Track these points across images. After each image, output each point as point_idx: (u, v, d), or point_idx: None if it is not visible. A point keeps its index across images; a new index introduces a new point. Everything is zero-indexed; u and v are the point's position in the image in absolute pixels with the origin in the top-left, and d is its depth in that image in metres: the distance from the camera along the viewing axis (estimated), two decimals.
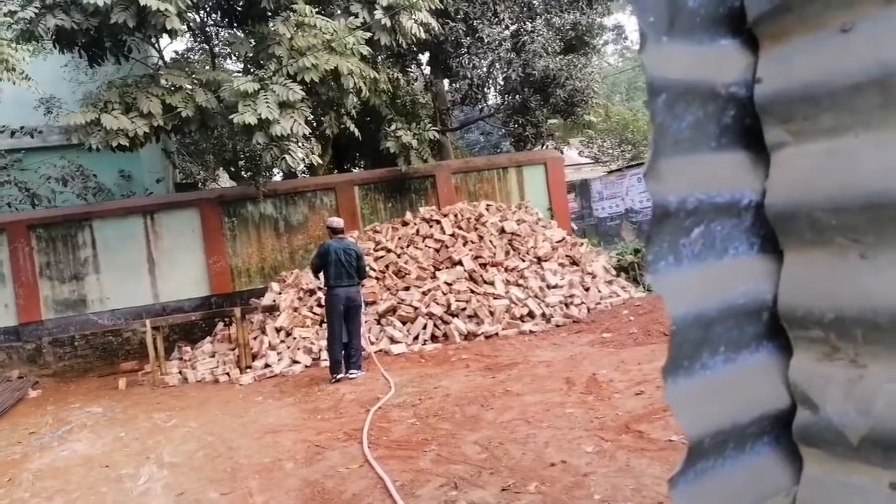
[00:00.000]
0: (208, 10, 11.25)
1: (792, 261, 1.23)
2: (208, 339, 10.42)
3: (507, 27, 13.02)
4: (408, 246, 10.67)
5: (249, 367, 8.89)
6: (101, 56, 9.56)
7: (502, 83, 13.36)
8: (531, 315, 9.48)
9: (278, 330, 9.42)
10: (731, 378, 1.10)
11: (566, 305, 9.72)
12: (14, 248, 10.97)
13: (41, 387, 9.99)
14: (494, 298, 9.62)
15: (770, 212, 1.23)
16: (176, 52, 13.35)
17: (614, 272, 11.28)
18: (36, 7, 8.21)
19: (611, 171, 21.41)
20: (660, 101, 1.09)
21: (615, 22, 36.67)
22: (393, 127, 11.26)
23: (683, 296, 1.11)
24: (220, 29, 12.45)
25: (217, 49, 12.68)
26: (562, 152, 15.36)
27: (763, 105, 1.24)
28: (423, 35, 9.95)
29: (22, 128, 11.05)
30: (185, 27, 8.79)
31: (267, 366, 8.79)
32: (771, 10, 1.20)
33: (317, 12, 9.11)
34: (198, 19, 11.21)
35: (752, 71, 1.25)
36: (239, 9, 10.97)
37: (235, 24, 11.23)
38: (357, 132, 10.65)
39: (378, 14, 9.63)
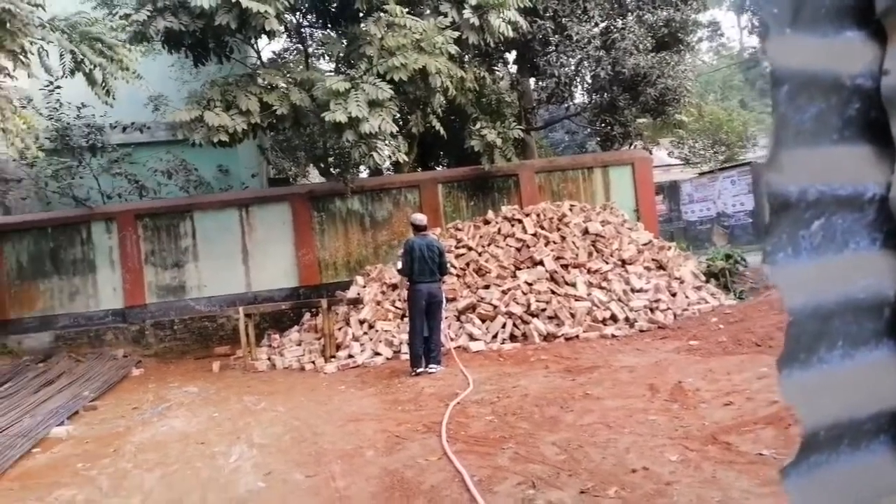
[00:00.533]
0: (304, 11, 11.69)
1: None
2: (296, 328, 10.83)
3: (596, 24, 12.77)
4: (489, 244, 10.68)
5: (333, 357, 9.17)
6: (205, 56, 10.13)
7: (590, 81, 13.12)
8: (614, 318, 9.29)
9: (361, 322, 9.67)
10: (849, 374, 1.07)
11: (651, 310, 9.46)
12: (123, 235, 11.81)
13: (143, 366, 10.70)
14: (576, 300, 9.49)
15: (895, 206, 1.19)
16: (274, 53, 13.92)
17: (703, 278, 10.88)
18: (148, 10, 8.80)
19: (702, 173, 20.61)
20: (782, 91, 1.08)
21: (710, 18, 35.34)
22: (478, 125, 11.30)
23: (801, 288, 1.09)
24: (314, 30, 12.89)
25: (311, 49, 13.13)
26: (650, 152, 14.94)
27: (890, 97, 1.19)
28: (510, 33, 9.93)
29: (133, 124, 11.87)
30: (282, 28, 9.17)
31: (350, 356, 9.04)
32: None
33: (407, 12, 9.27)
34: (294, 21, 11.66)
35: (879, 63, 1.20)
36: (333, 10, 11.34)
37: (329, 25, 11.61)
38: (442, 130, 10.77)
39: (467, 13, 9.69)
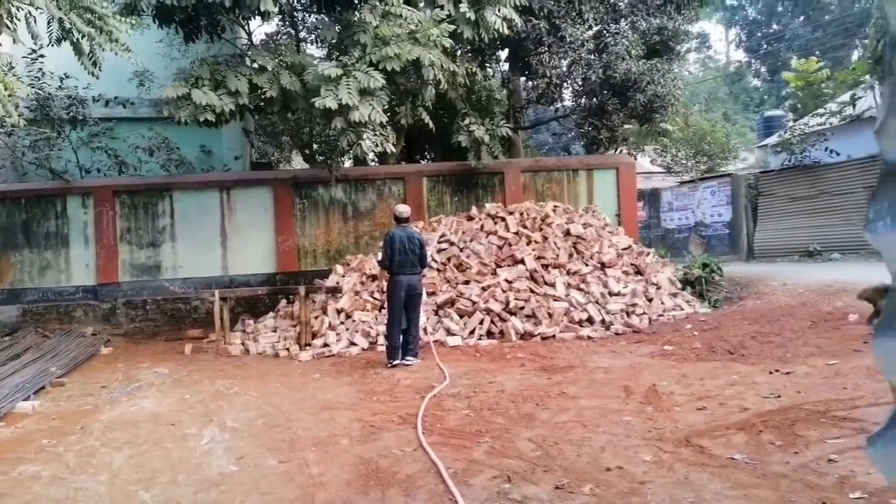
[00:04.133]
0: None
1: None
2: (271, 314, 10.73)
3: (590, 27, 12.84)
4: (471, 240, 10.69)
5: (309, 345, 9.11)
6: (195, 33, 9.97)
7: (580, 84, 13.18)
8: (590, 320, 9.36)
9: (339, 311, 9.61)
10: None
11: (627, 314, 9.55)
12: (99, 211, 11.59)
13: (112, 345, 10.53)
14: (554, 300, 9.54)
15: None
16: (265, 35, 13.75)
17: (679, 285, 11.01)
18: None
19: (683, 182, 20.82)
20: None
21: (700, 29, 35.72)
22: (466, 121, 11.29)
23: None
24: (307, 14, 12.75)
25: (303, 34, 12.99)
26: (635, 158, 15.05)
27: None
28: (505, 30, 9.94)
29: (116, 98, 11.61)
30: (276, 9, 9.05)
31: (326, 345, 8.99)
32: None
33: (403, 2, 9.22)
34: (288, 2, 11.51)
35: None
36: None
37: (323, 10, 11.49)
38: (431, 124, 10.73)
39: (463, 7, 9.67)
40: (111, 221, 11.63)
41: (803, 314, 8.58)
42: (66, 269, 11.60)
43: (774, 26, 37.56)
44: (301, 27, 13.01)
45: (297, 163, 17.47)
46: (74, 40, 6.93)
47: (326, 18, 10.97)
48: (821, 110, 18.41)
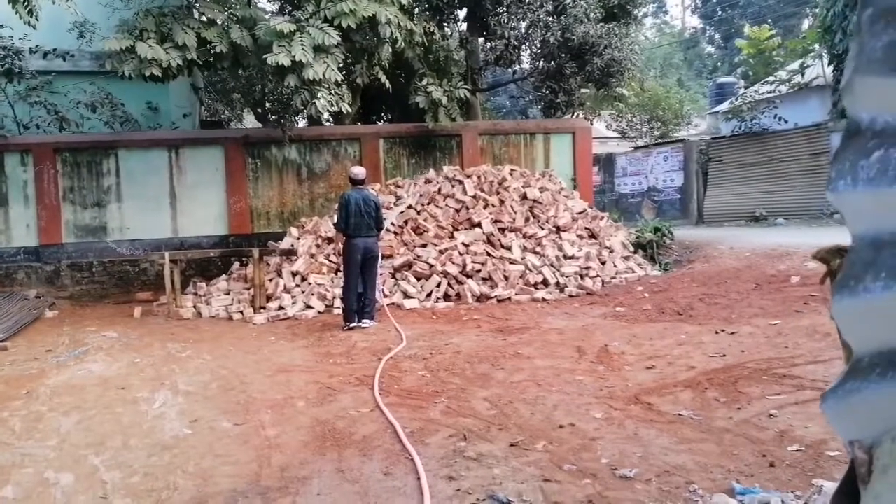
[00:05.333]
0: None
1: None
2: (224, 277, 10.54)
3: None
4: (428, 203, 10.65)
5: (263, 308, 9.00)
6: None
7: (539, 46, 13.10)
8: (545, 283, 9.50)
9: (294, 274, 9.50)
10: (887, 305, 1.11)
11: (581, 277, 9.72)
12: (39, 169, 11.08)
13: (57, 308, 10.21)
14: (510, 263, 9.63)
15: None
16: None
17: (632, 249, 11.24)
18: None
19: (637, 147, 21.12)
20: (865, 15, 1.08)
21: None
22: (424, 82, 11.13)
23: (860, 217, 1.11)
24: None
25: None
26: (591, 123, 15.14)
27: None
28: None
29: (55, 50, 10.99)
30: None
31: (281, 308, 8.90)
32: None
33: None
34: None
35: None
36: None
37: None
38: (388, 83, 10.54)
39: None
40: (53, 180, 11.14)
41: (748, 277, 8.89)
42: (6, 230, 11.11)
43: None
44: None
45: (249, 122, 17.00)
46: None
47: None
48: (771, 78, 18.82)
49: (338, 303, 8.58)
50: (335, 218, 8.13)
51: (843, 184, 1.12)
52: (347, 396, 4.84)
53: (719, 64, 37.51)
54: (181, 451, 3.87)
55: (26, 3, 6.96)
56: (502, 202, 10.72)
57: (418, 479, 3.20)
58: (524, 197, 10.98)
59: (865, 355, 1.13)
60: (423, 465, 3.35)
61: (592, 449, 3.55)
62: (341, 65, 9.15)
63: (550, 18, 12.31)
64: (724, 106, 20.28)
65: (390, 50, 9.86)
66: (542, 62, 13.45)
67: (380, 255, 8.23)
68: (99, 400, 5.08)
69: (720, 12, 37.65)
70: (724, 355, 5.40)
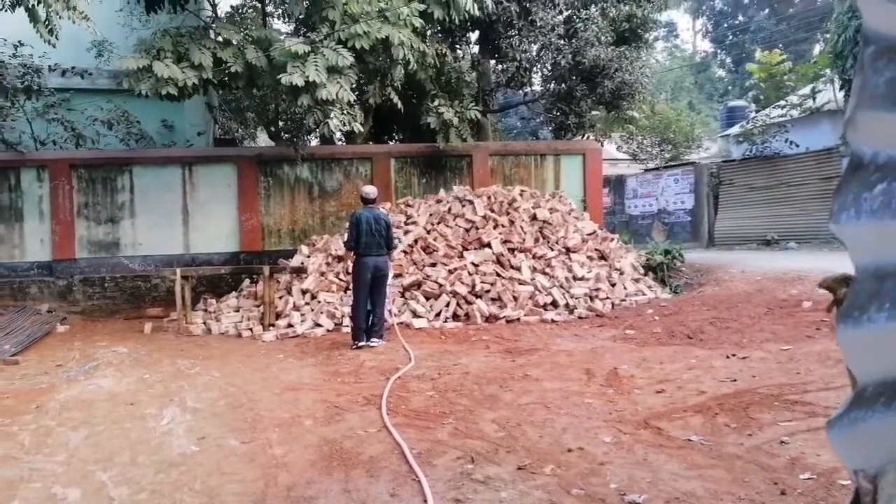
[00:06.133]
0: None
1: None
2: (234, 293, 10.59)
3: (560, 12, 12.84)
4: (438, 223, 10.68)
5: (272, 326, 9.02)
6: (158, 3, 9.65)
7: (550, 69, 13.20)
8: (555, 304, 9.47)
9: (304, 292, 9.53)
10: (891, 335, 1.12)
11: (591, 298, 9.69)
12: (55, 185, 11.23)
13: (69, 323, 10.27)
14: (519, 284, 9.62)
15: None
16: (231, 7, 13.40)
17: (642, 271, 11.21)
18: None
19: (647, 170, 21.12)
20: (868, 52, 1.10)
21: (668, 18, 36.09)
22: (435, 103, 11.22)
23: (863, 248, 1.12)
24: None
25: (269, 8, 12.69)
26: (602, 145, 15.18)
27: None
28: (476, 12, 9.87)
29: (73, 68, 11.19)
30: None
31: (290, 326, 8.91)
32: None
33: None
34: None
35: None
36: None
37: None
38: (399, 104, 10.64)
39: None
40: (68, 196, 11.28)
41: (760, 301, 8.82)
42: (21, 245, 11.24)
43: (740, 18, 38.14)
44: (268, 1, 12.70)
45: (262, 140, 17.16)
46: (29, 6, 6.66)
47: None
48: (782, 102, 18.83)
49: (347, 321, 8.58)
50: (345, 236, 8.17)
51: (846, 216, 1.14)
52: (355, 416, 4.83)
53: (730, 88, 37.59)
54: (188, 468, 3.87)
55: (47, 23, 7.11)
56: (512, 223, 10.73)
57: (425, 501, 3.18)
58: (534, 218, 10.99)
59: (870, 384, 1.14)
60: (430, 488, 3.33)
61: (601, 473, 3.52)
62: (354, 85, 9.27)
63: (562, 41, 12.41)
64: (735, 129, 20.28)
65: (403, 71, 9.96)
66: (553, 84, 13.53)
67: (389, 273, 8.25)
68: (108, 415, 5.09)
69: (731, 37, 37.83)
70: (735, 380, 5.35)
